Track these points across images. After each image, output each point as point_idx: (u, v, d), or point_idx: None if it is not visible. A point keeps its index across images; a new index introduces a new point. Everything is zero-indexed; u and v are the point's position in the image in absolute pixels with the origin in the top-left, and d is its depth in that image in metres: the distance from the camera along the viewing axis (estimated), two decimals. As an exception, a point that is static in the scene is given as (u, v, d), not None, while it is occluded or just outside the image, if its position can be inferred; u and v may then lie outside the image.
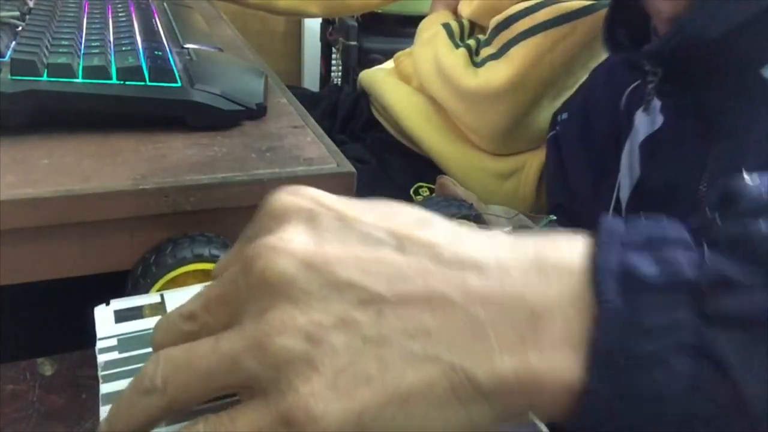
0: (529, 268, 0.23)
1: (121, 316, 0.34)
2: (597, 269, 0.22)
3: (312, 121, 0.55)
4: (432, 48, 0.90)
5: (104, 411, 0.28)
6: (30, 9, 0.60)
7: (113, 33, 0.58)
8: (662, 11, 0.44)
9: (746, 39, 0.41)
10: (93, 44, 0.53)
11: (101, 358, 0.31)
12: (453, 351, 0.22)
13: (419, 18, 1.02)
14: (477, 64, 0.85)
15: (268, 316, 0.22)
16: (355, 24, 1.79)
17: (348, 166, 0.47)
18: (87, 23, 0.60)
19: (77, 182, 0.40)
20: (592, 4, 0.77)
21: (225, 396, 0.26)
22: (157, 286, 0.39)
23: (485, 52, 0.85)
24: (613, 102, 0.53)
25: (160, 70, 0.49)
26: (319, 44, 2.15)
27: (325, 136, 0.51)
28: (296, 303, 0.22)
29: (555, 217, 0.45)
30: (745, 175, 0.25)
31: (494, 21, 0.84)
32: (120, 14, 0.65)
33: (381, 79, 1.00)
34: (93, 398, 0.38)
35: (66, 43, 0.51)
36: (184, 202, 0.42)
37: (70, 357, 0.43)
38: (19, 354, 0.43)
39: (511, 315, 0.22)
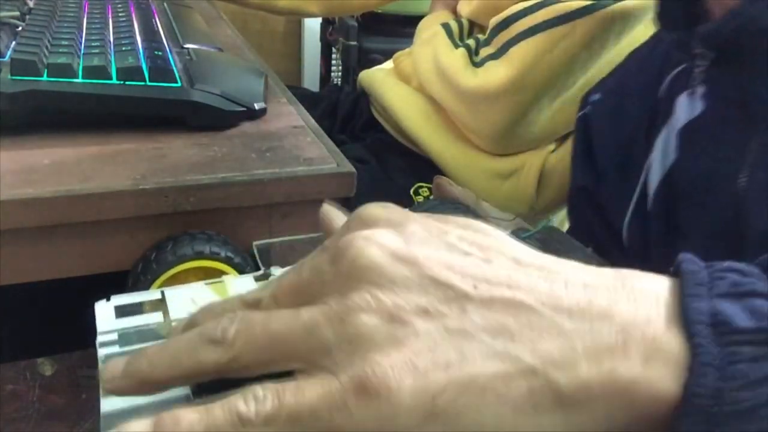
0: (615, 288, 0.23)
1: (122, 311, 0.34)
2: (688, 312, 0.22)
3: (312, 121, 0.55)
4: (431, 48, 0.90)
5: (105, 405, 0.28)
6: (30, 9, 0.60)
7: (113, 33, 0.58)
8: None
9: None
10: (93, 44, 0.53)
11: (102, 352, 0.31)
12: (535, 354, 0.22)
13: (419, 18, 1.02)
14: (476, 64, 0.85)
15: (354, 296, 0.23)
16: (355, 24, 1.79)
17: (348, 166, 0.47)
18: (87, 23, 0.60)
19: (77, 182, 0.41)
20: (591, 4, 0.77)
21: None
22: (158, 283, 0.39)
23: (484, 52, 0.85)
24: (651, 85, 0.51)
25: (160, 70, 0.49)
26: (319, 44, 2.15)
27: (325, 136, 0.51)
28: (382, 288, 0.23)
29: (553, 221, 0.45)
30: None
31: (494, 21, 0.84)
32: (120, 14, 0.65)
33: (381, 79, 1.00)
34: (93, 398, 0.38)
35: (66, 43, 0.51)
36: (184, 202, 0.42)
37: (70, 357, 0.43)
38: (19, 354, 0.43)
39: (599, 328, 0.22)
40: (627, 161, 0.52)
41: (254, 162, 0.46)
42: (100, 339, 0.32)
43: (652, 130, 0.50)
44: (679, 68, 0.49)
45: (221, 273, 0.40)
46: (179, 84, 0.49)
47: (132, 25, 0.61)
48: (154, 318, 0.34)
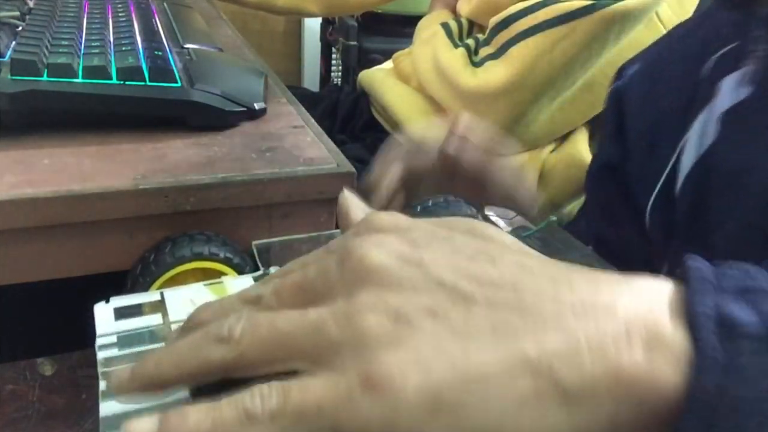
0: (619, 285, 0.23)
1: (121, 313, 0.34)
2: (692, 306, 0.22)
3: (312, 121, 0.55)
4: (431, 47, 0.90)
5: (104, 408, 0.28)
6: (30, 9, 0.60)
7: (113, 33, 0.58)
8: None
9: None
10: (93, 44, 0.53)
11: (101, 355, 0.31)
12: (542, 352, 0.22)
13: (419, 18, 1.02)
14: (476, 64, 0.85)
15: (361, 296, 0.23)
16: (355, 24, 1.79)
17: (348, 166, 0.47)
18: (87, 23, 0.60)
19: (77, 182, 0.41)
20: (591, 4, 0.77)
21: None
22: (157, 284, 0.39)
23: (484, 51, 0.85)
24: (692, 63, 0.49)
25: (160, 70, 0.49)
26: (319, 44, 2.15)
27: (325, 136, 0.51)
28: (389, 289, 0.23)
29: (555, 218, 0.45)
30: None
31: (493, 20, 0.84)
32: (120, 14, 0.65)
33: (380, 79, 1.00)
34: (93, 398, 0.38)
35: (66, 43, 0.51)
36: (184, 202, 0.42)
37: (70, 357, 0.43)
38: (19, 354, 0.43)
39: (603, 322, 0.22)
40: (659, 140, 0.51)
41: (254, 162, 0.46)
42: (99, 341, 0.32)
43: (690, 110, 0.48)
44: (727, 48, 0.47)
45: (220, 274, 0.40)
46: (179, 84, 0.49)
47: (132, 25, 0.61)
48: (153, 320, 0.34)
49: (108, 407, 0.28)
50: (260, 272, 0.39)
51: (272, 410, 0.22)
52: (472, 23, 0.94)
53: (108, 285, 0.38)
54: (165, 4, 0.75)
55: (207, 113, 0.49)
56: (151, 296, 0.36)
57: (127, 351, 0.31)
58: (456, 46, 0.88)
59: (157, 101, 0.48)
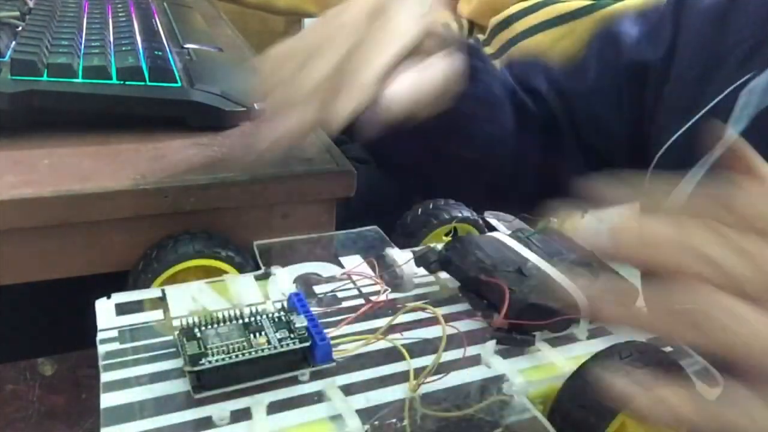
0: None
1: (123, 308, 0.34)
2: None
3: (312, 121, 0.55)
4: (431, 48, 0.90)
5: (104, 400, 0.28)
6: (30, 9, 0.60)
7: (113, 33, 0.58)
8: None
9: None
10: (93, 44, 0.53)
11: (102, 349, 0.31)
12: None
13: (419, 18, 1.02)
14: (476, 64, 0.84)
15: None
16: (355, 24, 1.79)
17: (348, 166, 0.47)
18: (87, 23, 0.60)
19: (77, 182, 0.41)
20: (591, 4, 0.77)
21: None
22: (159, 281, 0.39)
23: (484, 51, 0.84)
24: (720, 52, 0.44)
25: (160, 70, 0.49)
26: (318, 44, 2.15)
27: (325, 136, 0.51)
28: None
29: (554, 220, 0.45)
30: None
31: (493, 21, 0.84)
32: (120, 14, 0.65)
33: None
34: (93, 398, 0.38)
35: (66, 43, 0.51)
36: (184, 202, 0.42)
37: (70, 357, 0.43)
38: (19, 354, 0.43)
39: None
40: (711, 72, 0.44)
41: (254, 162, 0.46)
42: (100, 336, 0.32)
43: (762, 50, 0.42)
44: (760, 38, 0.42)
45: (222, 272, 0.40)
46: (179, 84, 0.49)
47: (132, 25, 0.61)
48: (154, 315, 0.34)
49: (109, 400, 0.28)
50: (261, 271, 0.39)
51: None
52: (472, 23, 0.94)
53: (108, 285, 0.38)
54: (165, 4, 0.76)
55: (207, 113, 0.49)
56: (152, 293, 0.36)
57: (128, 345, 0.32)
58: (456, 46, 0.88)
59: (157, 101, 0.48)
